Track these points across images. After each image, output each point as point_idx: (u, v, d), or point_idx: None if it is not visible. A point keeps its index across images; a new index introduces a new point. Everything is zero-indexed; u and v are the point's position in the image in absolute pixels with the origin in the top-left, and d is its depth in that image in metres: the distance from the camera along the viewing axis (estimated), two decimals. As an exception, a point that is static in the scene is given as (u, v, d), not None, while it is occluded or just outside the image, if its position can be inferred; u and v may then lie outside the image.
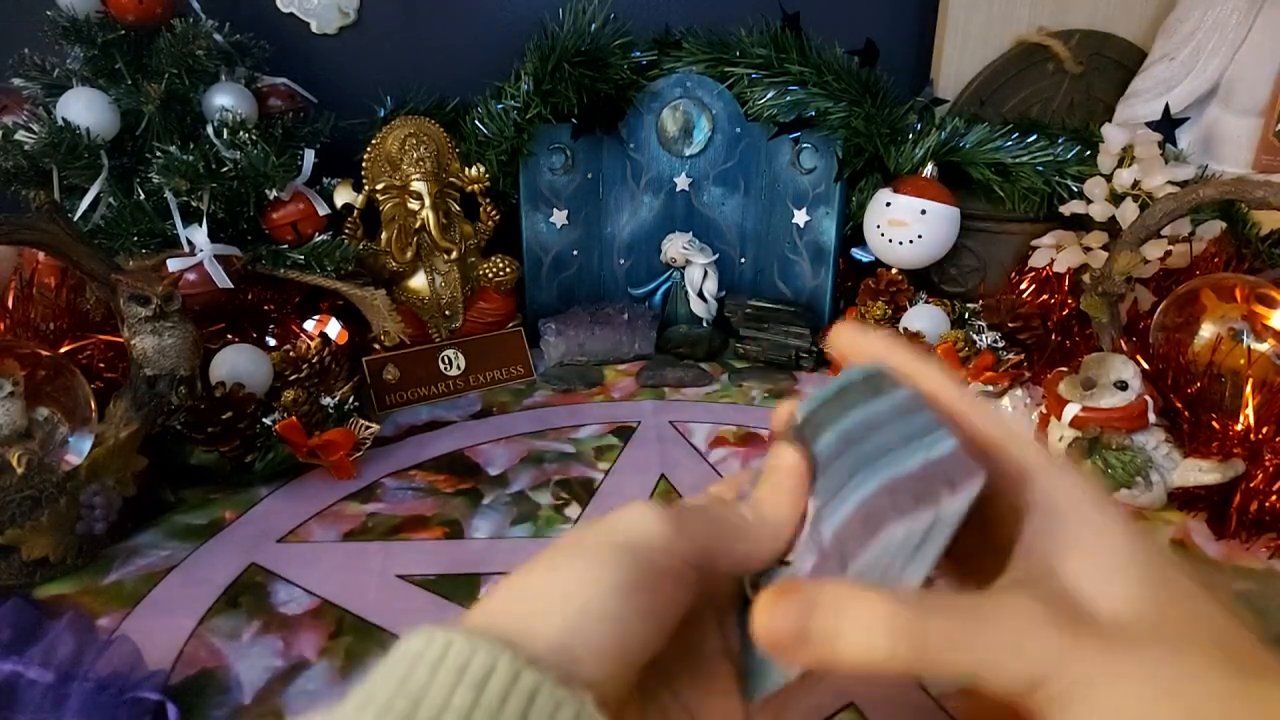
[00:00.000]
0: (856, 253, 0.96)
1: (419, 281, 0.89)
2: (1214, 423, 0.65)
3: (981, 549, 0.26)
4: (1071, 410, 0.68)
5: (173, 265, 0.75)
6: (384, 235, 0.86)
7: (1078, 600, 0.23)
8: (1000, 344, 0.85)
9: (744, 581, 0.29)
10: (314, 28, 0.98)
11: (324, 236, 0.83)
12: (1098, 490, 0.25)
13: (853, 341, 0.29)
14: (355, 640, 0.53)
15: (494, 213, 0.91)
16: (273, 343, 0.79)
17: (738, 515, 0.27)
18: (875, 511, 0.24)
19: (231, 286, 0.77)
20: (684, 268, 0.96)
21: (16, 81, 0.80)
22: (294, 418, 0.68)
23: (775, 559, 0.27)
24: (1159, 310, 0.77)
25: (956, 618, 0.22)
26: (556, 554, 0.24)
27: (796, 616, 0.22)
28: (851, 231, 0.96)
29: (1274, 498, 0.61)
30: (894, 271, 0.93)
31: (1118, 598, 0.23)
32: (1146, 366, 0.70)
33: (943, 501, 0.23)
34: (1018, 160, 0.89)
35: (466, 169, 0.88)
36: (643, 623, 0.23)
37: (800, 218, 0.95)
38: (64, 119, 0.74)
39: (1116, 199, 0.85)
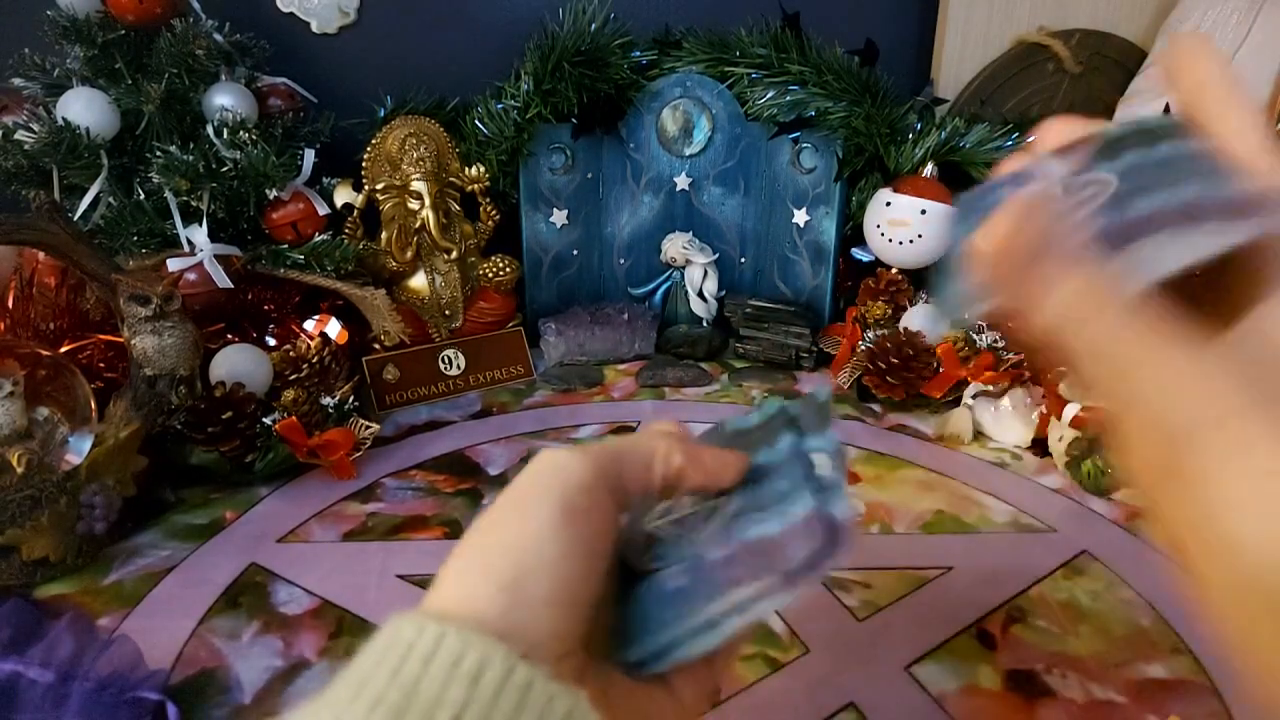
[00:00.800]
0: (856, 253, 0.96)
1: (419, 281, 0.89)
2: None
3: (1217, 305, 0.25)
4: (1071, 410, 0.68)
5: (173, 265, 0.75)
6: (384, 235, 0.86)
7: (1272, 373, 0.21)
8: (1000, 344, 0.85)
9: (631, 550, 0.30)
10: (314, 28, 0.98)
11: (324, 236, 0.83)
12: None
13: (1183, 60, 0.26)
14: (355, 640, 0.53)
15: (494, 213, 0.91)
16: (273, 343, 0.79)
17: (639, 434, 0.29)
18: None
19: (231, 286, 0.77)
20: (684, 268, 0.96)
21: (16, 81, 0.79)
22: (294, 418, 0.68)
23: (677, 479, 0.29)
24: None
25: (1171, 335, 0.21)
26: (487, 517, 0.26)
27: None
28: (851, 231, 0.96)
29: (1274, 498, 0.61)
30: (894, 271, 0.93)
31: None
32: (1146, 366, 0.70)
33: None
34: (1018, 160, 0.89)
35: (466, 169, 0.88)
36: (575, 563, 0.24)
37: (800, 218, 0.95)
38: (64, 119, 0.74)
39: (1116, 199, 0.85)
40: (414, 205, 0.85)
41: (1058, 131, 0.27)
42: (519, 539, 0.24)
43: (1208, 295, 0.24)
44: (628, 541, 0.30)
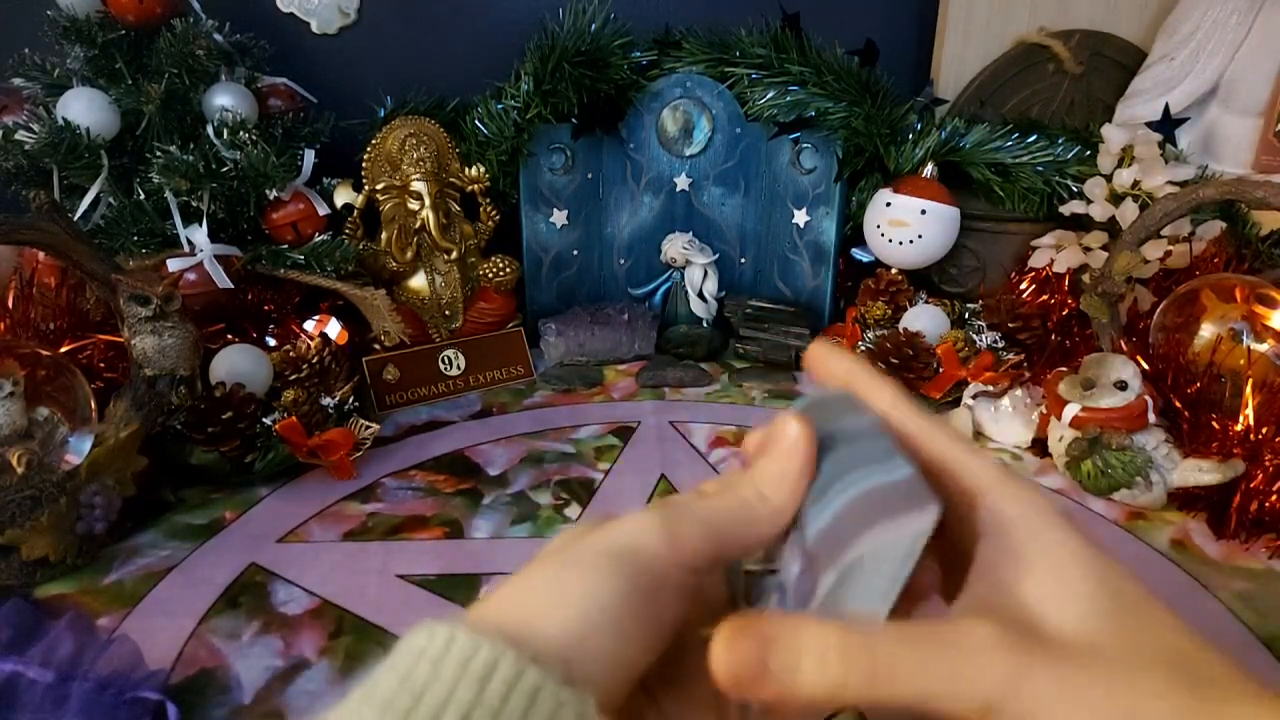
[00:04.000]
0: (856, 253, 0.96)
1: (419, 281, 0.89)
2: (1214, 423, 0.65)
3: (946, 574, 0.27)
4: (1071, 410, 0.68)
5: (173, 265, 0.75)
6: (384, 235, 0.86)
7: (1033, 621, 0.23)
8: (1000, 344, 0.85)
9: (737, 592, 0.29)
10: (314, 28, 0.98)
11: (324, 236, 0.83)
12: (1049, 507, 0.25)
13: (823, 362, 0.29)
14: (355, 640, 0.53)
15: (494, 213, 0.91)
16: (273, 343, 0.79)
17: (734, 501, 0.26)
18: (845, 527, 0.24)
19: (231, 286, 0.77)
20: (684, 268, 0.96)
21: (16, 81, 0.80)
22: (294, 418, 0.68)
23: (778, 535, 0.26)
24: (1159, 310, 0.77)
25: (908, 644, 0.22)
26: (557, 559, 0.24)
27: (756, 651, 0.22)
28: (851, 231, 0.96)
29: (1274, 498, 0.61)
30: (894, 271, 0.93)
31: (1071, 616, 0.23)
32: (1146, 366, 0.70)
33: (901, 525, 0.23)
34: (1018, 160, 0.89)
35: (466, 169, 0.88)
36: (642, 631, 0.23)
37: (800, 218, 0.95)
38: (64, 119, 0.74)
39: (1116, 199, 0.85)
40: (414, 205, 0.85)
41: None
42: (591, 596, 0.23)
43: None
44: (733, 587, 0.29)
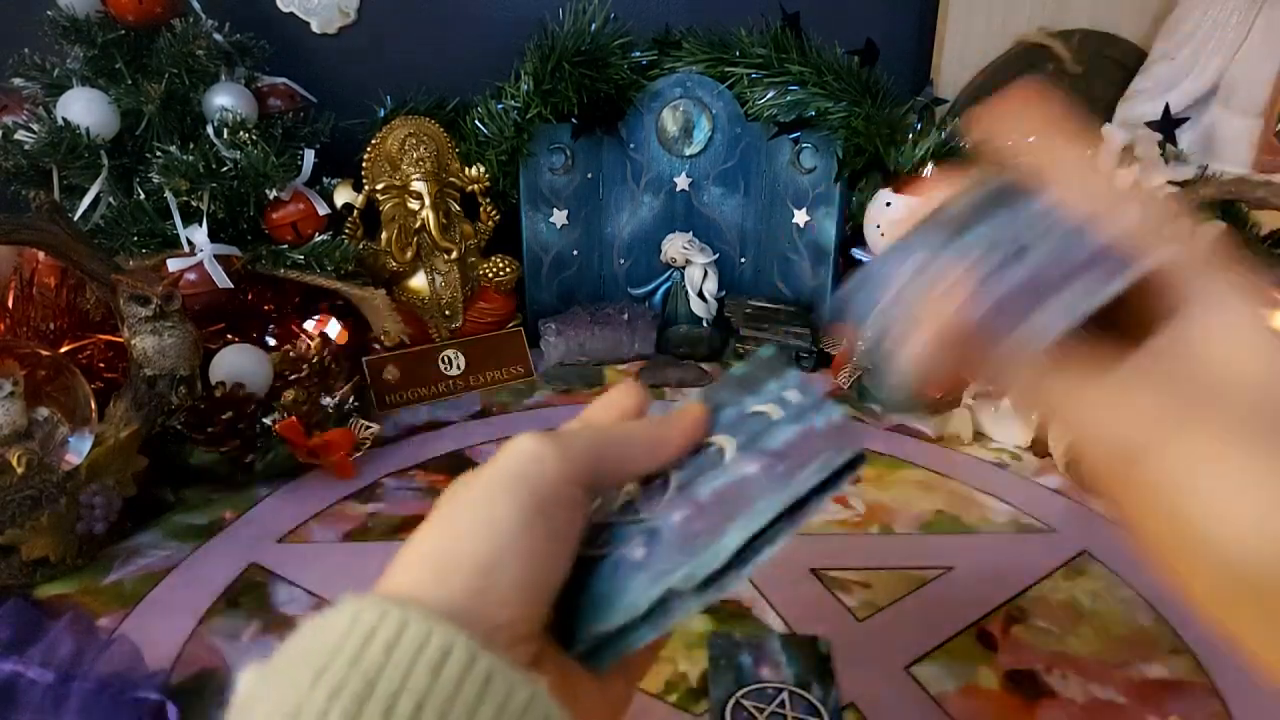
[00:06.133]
0: (856, 253, 0.96)
1: (419, 281, 0.89)
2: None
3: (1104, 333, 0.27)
4: (1071, 410, 0.68)
5: (173, 265, 0.75)
6: (384, 235, 0.86)
7: (1198, 381, 0.23)
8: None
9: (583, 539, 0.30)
10: (314, 28, 0.98)
11: (324, 236, 0.83)
12: (1240, 290, 0.24)
13: (1005, 115, 0.29)
14: (355, 640, 0.53)
15: (494, 213, 0.91)
16: (273, 343, 0.79)
17: (620, 426, 0.30)
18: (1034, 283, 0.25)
19: (231, 286, 0.77)
20: (684, 268, 0.96)
21: (16, 81, 0.80)
22: (294, 418, 0.68)
23: (655, 469, 0.30)
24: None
25: (1081, 368, 0.23)
26: (456, 501, 0.25)
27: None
28: (851, 231, 0.96)
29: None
30: (894, 271, 0.92)
31: (1238, 383, 0.22)
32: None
33: (1083, 286, 0.24)
34: (1018, 160, 0.89)
35: (466, 169, 0.88)
36: (545, 551, 0.25)
37: (800, 218, 0.95)
38: (64, 119, 0.74)
39: (1116, 199, 0.85)
40: (414, 205, 0.85)
41: (930, 197, 0.29)
42: (491, 527, 0.24)
43: (1121, 323, 0.26)
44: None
